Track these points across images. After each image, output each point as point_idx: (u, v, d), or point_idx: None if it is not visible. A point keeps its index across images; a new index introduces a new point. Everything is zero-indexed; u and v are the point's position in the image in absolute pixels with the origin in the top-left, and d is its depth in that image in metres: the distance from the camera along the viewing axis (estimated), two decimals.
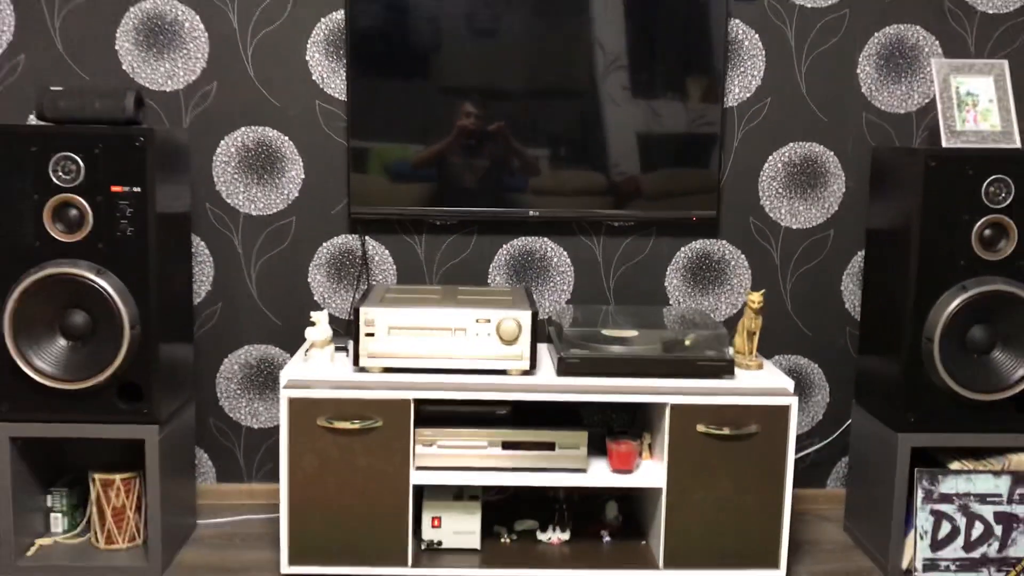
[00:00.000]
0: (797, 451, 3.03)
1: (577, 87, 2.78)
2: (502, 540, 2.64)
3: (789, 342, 3.00)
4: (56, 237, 2.38)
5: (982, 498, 2.55)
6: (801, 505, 3.04)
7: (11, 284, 2.36)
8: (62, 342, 2.41)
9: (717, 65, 2.78)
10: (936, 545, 2.55)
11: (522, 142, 2.79)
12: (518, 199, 2.81)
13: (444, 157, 2.79)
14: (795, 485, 3.02)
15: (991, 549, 2.56)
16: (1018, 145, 2.57)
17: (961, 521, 2.55)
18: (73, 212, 2.39)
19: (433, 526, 2.55)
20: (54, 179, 2.37)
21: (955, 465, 2.59)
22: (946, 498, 2.55)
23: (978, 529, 2.55)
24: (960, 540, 2.55)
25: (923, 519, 2.55)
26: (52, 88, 2.44)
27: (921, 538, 2.55)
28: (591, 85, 2.78)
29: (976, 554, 2.56)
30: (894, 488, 2.57)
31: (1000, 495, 2.55)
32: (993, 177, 2.46)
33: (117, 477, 2.56)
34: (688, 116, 2.80)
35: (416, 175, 2.80)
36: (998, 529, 2.55)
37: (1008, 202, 2.47)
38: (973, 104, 2.58)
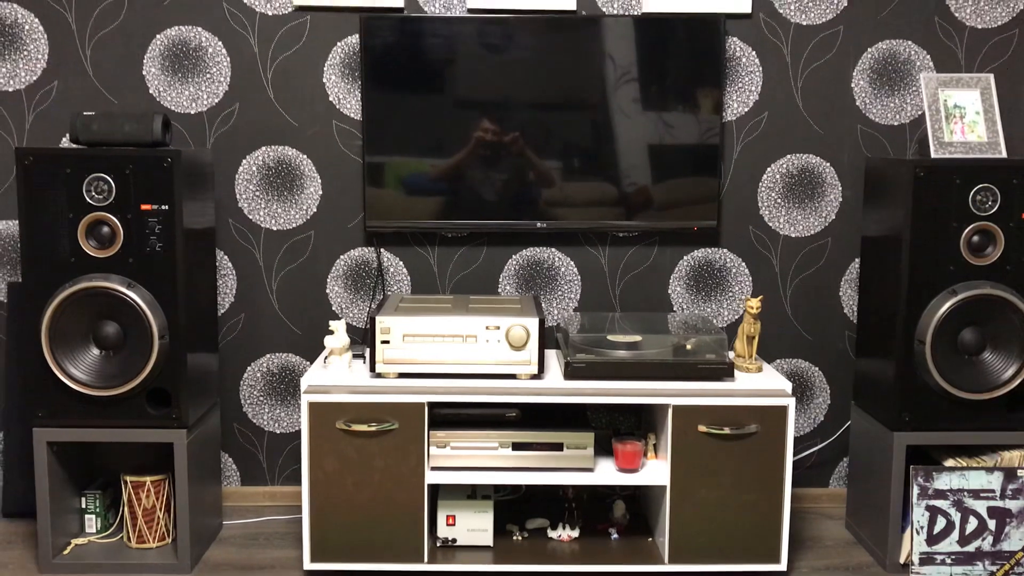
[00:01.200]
0: (799, 452, 3.13)
1: (586, 100, 2.90)
2: (514, 537, 2.75)
3: (790, 346, 3.11)
4: (89, 253, 2.52)
5: (975, 494, 2.64)
6: (804, 504, 3.14)
7: (48, 297, 2.50)
8: (95, 351, 2.54)
9: (716, 81, 2.90)
10: (932, 540, 2.64)
11: (535, 155, 2.91)
12: (527, 211, 2.94)
13: (458, 170, 2.91)
14: (798, 485, 3.12)
15: (985, 543, 2.64)
16: (1004, 155, 2.67)
17: (956, 516, 2.64)
18: (105, 229, 2.52)
19: (448, 524, 2.67)
20: (87, 199, 2.50)
21: (949, 462, 2.68)
22: (941, 494, 2.64)
23: (972, 524, 2.64)
24: (955, 534, 2.64)
25: (919, 515, 2.64)
26: (84, 113, 2.58)
27: (917, 533, 2.64)
28: (602, 98, 2.90)
29: (971, 548, 2.64)
30: (891, 485, 2.67)
31: (993, 490, 2.64)
32: (980, 186, 2.56)
33: (148, 479, 2.69)
34: (689, 130, 2.92)
35: (429, 190, 2.93)
36: (992, 523, 2.64)
37: (994, 210, 2.57)
38: (960, 116, 2.69)
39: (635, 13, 2.94)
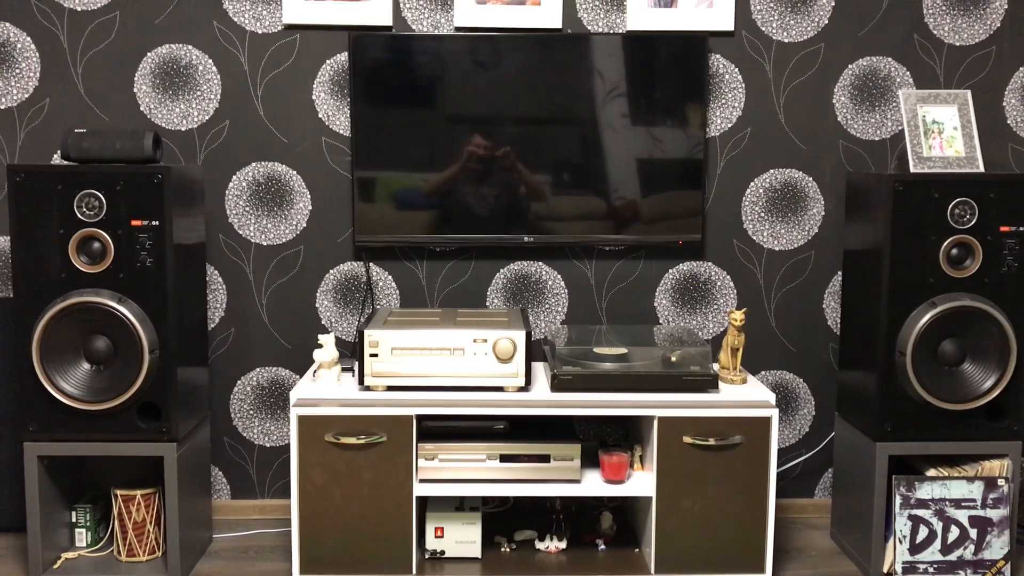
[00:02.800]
0: (785, 463, 3.16)
1: (575, 116, 2.95)
2: (502, 549, 2.77)
3: (775, 358, 3.15)
4: (80, 268, 2.54)
5: (957, 503, 2.67)
6: (790, 514, 3.17)
7: (39, 312, 2.52)
8: (86, 366, 2.56)
9: (700, 97, 2.95)
10: (914, 549, 2.68)
11: (526, 169, 2.94)
12: (515, 225, 2.97)
13: (447, 185, 2.95)
14: (784, 495, 3.15)
15: (967, 552, 2.68)
16: (981, 170, 2.72)
17: (938, 525, 2.68)
18: (96, 245, 2.55)
19: (436, 536, 2.69)
20: (78, 215, 2.53)
21: (931, 472, 2.71)
22: (923, 503, 2.68)
23: (954, 533, 2.68)
24: (937, 543, 2.68)
25: (901, 524, 2.67)
26: (76, 130, 2.61)
27: (900, 542, 2.67)
28: (590, 113, 2.94)
29: (953, 557, 2.68)
30: (874, 495, 2.70)
31: (974, 500, 2.67)
32: (958, 200, 2.61)
33: (138, 493, 2.71)
34: (674, 145, 2.96)
35: (417, 204, 2.96)
36: (973, 532, 2.68)
37: (972, 223, 2.61)
38: (939, 131, 2.74)
39: (620, 31, 2.99)
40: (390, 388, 2.63)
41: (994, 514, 2.67)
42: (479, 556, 2.71)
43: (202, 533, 2.88)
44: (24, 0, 2.92)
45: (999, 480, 2.67)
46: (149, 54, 2.97)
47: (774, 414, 2.59)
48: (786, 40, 3.03)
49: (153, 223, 2.54)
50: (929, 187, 2.60)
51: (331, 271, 3.07)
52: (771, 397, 2.63)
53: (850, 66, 3.05)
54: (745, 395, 2.65)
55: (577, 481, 2.65)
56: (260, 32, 2.97)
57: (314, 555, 2.59)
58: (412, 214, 2.96)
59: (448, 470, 2.62)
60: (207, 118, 3.00)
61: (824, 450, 3.15)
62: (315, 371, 2.75)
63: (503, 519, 2.93)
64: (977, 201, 2.61)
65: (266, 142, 3.01)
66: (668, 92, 2.95)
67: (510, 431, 2.66)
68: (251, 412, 3.11)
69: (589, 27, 2.99)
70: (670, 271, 3.10)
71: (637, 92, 2.94)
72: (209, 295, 3.06)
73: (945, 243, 2.62)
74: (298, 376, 3.10)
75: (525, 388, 2.64)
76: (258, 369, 3.10)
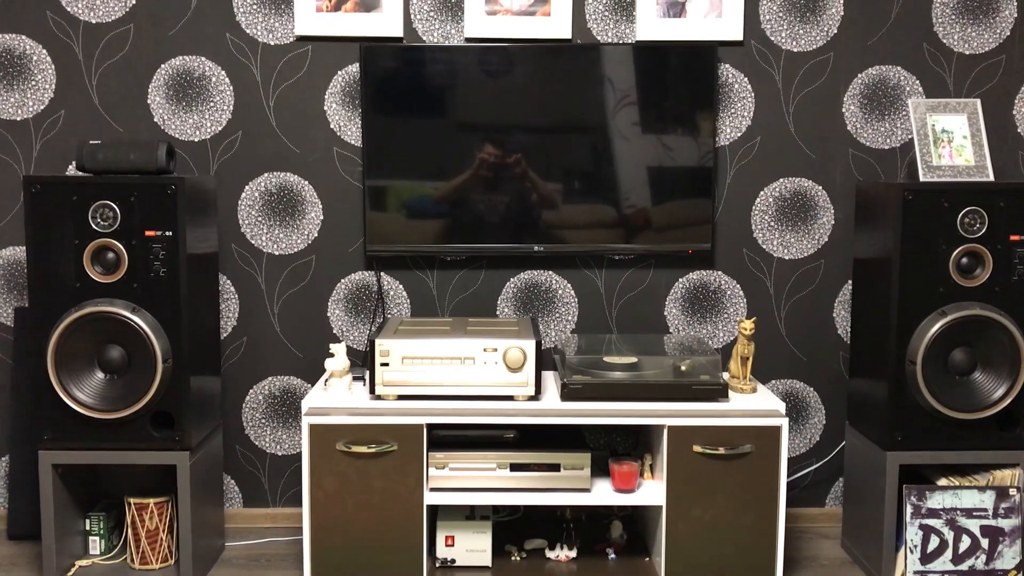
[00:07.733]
0: (796, 472, 3.16)
1: (585, 124, 2.96)
2: (512, 558, 2.78)
3: (785, 367, 3.14)
4: (95, 278, 2.56)
5: (968, 512, 2.67)
6: (801, 523, 3.16)
7: (54, 322, 2.54)
8: (100, 375, 2.58)
9: (710, 107, 2.96)
10: (926, 558, 2.67)
11: (538, 177, 2.96)
12: (526, 234, 2.98)
13: (458, 193, 2.96)
14: (795, 504, 3.15)
15: (978, 562, 2.67)
16: (991, 179, 2.72)
17: (949, 535, 2.67)
18: (110, 255, 2.57)
19: (447, 545, 2.70)
20: (93, 225, 2.56)
21: (942, 481, 2.71)
22: (934, 513, 2.67)
23: (965, 542, 2.67)
24: (948, 553, 2.67)
25: (912, 533, 2.67)
26: (91, 142, 2.63)
27: (911, 552, 2.67)
28: (601, 122, 2.96)
29: (964, 567, 2.67)
30: (885, 505, 2.70)
31: (986, 509, 2.67)
32: (968, 209, 2.61)
33: (151, 501, 2.73)
34: (684, 155, 2.97)
35: (428, 214, 2.98)
36: (985, 542, 2.67)
37: (982, 232, 2.61)
38: (948, 140, 2.74)
39: (629, 41, 3.00)
40: (401, 397, 2.65)
41: (1006, 524, 2.67)
42: (489, 565, 2.71)
43: (214, 541, 2.90)
44: (40, 13, 2.96)
45: (1011, 490, 2.66)
46: (163, 66, 3.00)
47: (784, 423, 2.59)
48: (795, 49, 3.04)
49: (167, 233, 2.56)
50: (939, 196, 2.61)
51: (342, 280, 3.09)
52: (781, 406, 2.64)
53: (859, 75, 3.05)
54: (755, 404, 2.66)
55: (587, 490, 2.65)
56: (272, 44, 3.00)
57: (325, 563, 2.61)
58: (423, 223, 2.98)
59: (458, 479, 2.63)
60: (220, 129, 3.02)
61: (835, 459, 3.14)
62: (326, 380, 2.77)
63: (513, 528, 2.94)
64: (987, 210, 2.61)
65: (278, 152, 3.03)
66: (678, 101, 2.96)
67: (520, 440, 2.67)
68: (263, 421, 3.13)
69: (599, 37, 3.01)
70: (680, 280, 3.11)
71: (647, 101, 2.96)
72: (221, 304, 3.08)
73: (955, 252, 2.62)
74: (310, 385, 3.12)
75: (535, 397, 2.65)
76: (270, 378, 3.11)
